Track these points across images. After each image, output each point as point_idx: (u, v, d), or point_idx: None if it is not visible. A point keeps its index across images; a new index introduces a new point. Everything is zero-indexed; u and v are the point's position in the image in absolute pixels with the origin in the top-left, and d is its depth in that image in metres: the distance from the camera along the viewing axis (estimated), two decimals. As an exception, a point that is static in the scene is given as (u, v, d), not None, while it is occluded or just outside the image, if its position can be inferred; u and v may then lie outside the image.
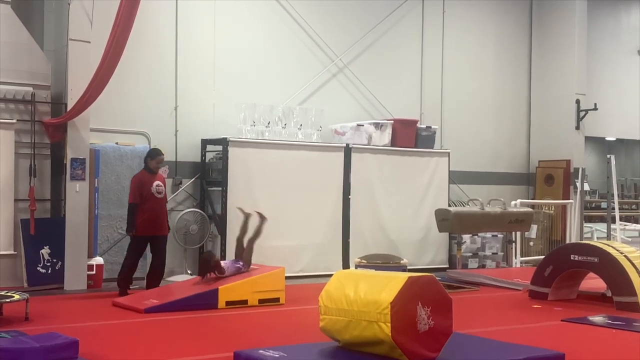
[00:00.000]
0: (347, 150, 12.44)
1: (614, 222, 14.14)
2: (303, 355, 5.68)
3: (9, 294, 7.83)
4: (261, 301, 8.93)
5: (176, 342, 6.77)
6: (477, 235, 13.41)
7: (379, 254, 11.23)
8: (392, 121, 13.04)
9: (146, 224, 9.49)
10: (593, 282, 9.76)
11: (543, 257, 10.80)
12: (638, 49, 17.27)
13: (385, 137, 12.83)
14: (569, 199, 14.62)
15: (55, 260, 10.22)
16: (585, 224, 15.26)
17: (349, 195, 12.41)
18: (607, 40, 16.88)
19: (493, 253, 13.70)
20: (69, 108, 9.99)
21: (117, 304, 8.78)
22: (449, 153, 13.64)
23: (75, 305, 8.95)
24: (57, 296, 9.54)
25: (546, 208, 14.61)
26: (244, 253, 9.44)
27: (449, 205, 13.03)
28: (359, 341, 5.63)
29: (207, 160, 11.86)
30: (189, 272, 11.12)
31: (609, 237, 14.01)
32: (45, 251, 10.20)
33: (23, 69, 10.27)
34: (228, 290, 8.76)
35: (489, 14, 15.35)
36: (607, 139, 18.49)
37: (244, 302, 8.80)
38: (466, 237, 13.14)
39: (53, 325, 7.23)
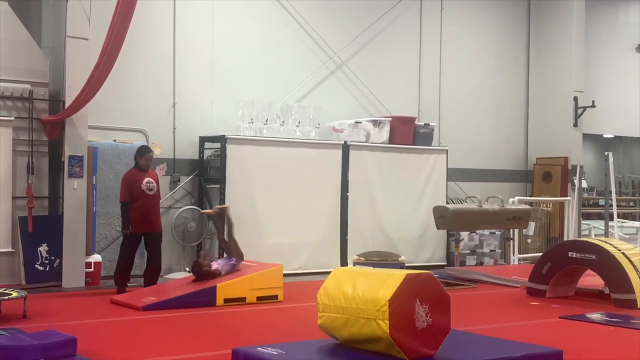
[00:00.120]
0: (345, 148, 12.44)
1: (611, 219, 14.15)
2: (301, 352, 5.68)
3: (7, 291, 7.83)
4: (259, 298, 8.94)
5: (174, 340, 6.78)
6: (475, 232, 13.42)
7: (377, 252, 11.25)
8: (390, 118, 13.04)
9: (138, 221, 9.52)
10: (591, 279, 9.77)
11: (541, 254, 10.81)
12: (636, 46, 17.26)
13: (383, 134, 12.83)
14: (567, 196, 14.63)
15: (53, 258, 10.22)
16: (583, 221, 15.27)
17: (347, 192, 12.41)
18: (605, 37, 16.88)
19: (491, 250, 13.70)
20: (66, 105, 9.98)
21: (115, 301, 8.79)
22: (447, 150, 13.64)
23: (73, 302, 8.95)
24: (55, 294, 9.54)
25: (544, 205, 14.61)
26: (231, 248, 9.45)
27: (447, 203, 13.04)
28: (357, 338, 5.63)
29: (205, 158, 11.85)
30: (187, 269, 11.11)
31: (606, 234, 14.03)
32: (43, 249, 10.19)
33: (21, 66, 10.26)
34: (226, 288, 8.77)
35: (487, 11, 15.34)
36: (604, 136, 18.49)
37: (242, 300, 8.81)
38: (464, 235, 13.15)
39: (51, 322, 7.23)
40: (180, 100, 11.73)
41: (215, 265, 9.17)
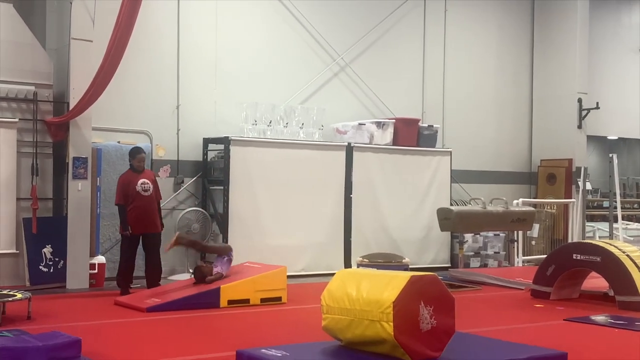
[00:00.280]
0: (349, 149, 12.43)
1: (616, 221, 14.13)
2: (305, 354, 5.67)
3: (11, 292, 7.84)
4: (263, 300, 8.93)
5: (178, 341, 6.78)
6: (479, 234, 13.40)
7: (380, 253, 11.23)
8: (394, 120, 13.03)
9: (134, 223, 9.53)
10: (595, 282, 9.74)
11: (545, 256, 10.79)
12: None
13: (387, 136, 12.82)
14: (571, 198, 14.61)
15: (57, 259, 10.23)
16: (587, 223, 15.23)
17: (351, 194, 12.41)
18: (609, 39, 16.86)
19: (495, 252, 13.68)
20: (71, 107, 9.99)
21: (119, 303, 8.79)
22: (450, 152, 13.63)
23: (77, 304, 8.96)
24: (59, 295, 9.55)
25: (548, 207, 14.60)
26: (215, 250, 9.49)
27: (451, 205, 13.03)
28: (361, 340, 5.62)
29: (208, 159, 11.86)
30: (190, 271, 11.11)
31: (611, 236, 14.01)
32: (47, 250, 10.21)
33: (25, 68, 10.27)
34: (230, 290, 8.77)
35: (491, 13, 15.34)
36: (608, 137, 18.47)
37: (245, 301, 8.80)
38: (468, 236, 13.13)
39: (55, 324, 7.23)
40: (184, 102, 11.74)
41: (215, 269, 9.15)
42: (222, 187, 11.41)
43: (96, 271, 10.17)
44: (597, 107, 15.03)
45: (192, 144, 11.79)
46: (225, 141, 11.38)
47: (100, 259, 10.34)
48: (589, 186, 15.62)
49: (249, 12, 12.42)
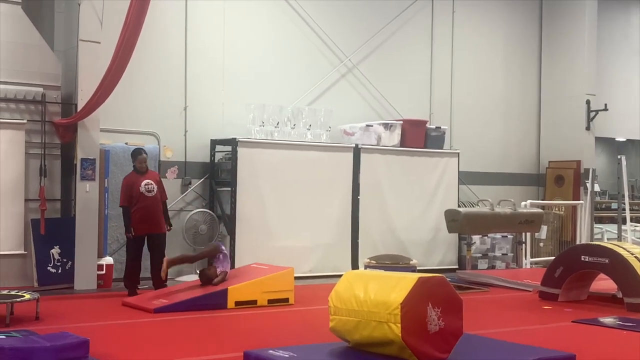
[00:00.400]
0: (356, 151, 12.43)
1: (624, 223, 14.08)
2: (313, 355, 5.67)
3: (19, 293, 7.86)
4: (270, 301, 8.93)
5: (186, 342, 6.78)
6: (486, 236, 13.36)
7: (388, 255, 11.23)
8: (402, 121, 13.02)
9: (139, 224, 9.54)
10: (603, 284, 9.72)
11: (553, 258, 10.76)
12: (648, 49, 17.22)
13: (395, 137, 12.81)
14: (579, 200, 14.57)
15: (65, 260, 10.25)
16: (595, 225, 15.17)
17: (358, 195, 12.40)
18: (618, 40, 16.81)
19: (503, 254, 13.65)
20: (79, 108, 10.02)
21: (126, 303, 8.80)
22: (458, 153, 13.61)
23: (85, 304, 8.98)
24: (67, 296, 9.57)
25: (556, 209, 14.56)
26: (207, 253, 9.45)
27: (459, 206, 13.01)
28: (368, 342, 5.62)
29: (216, 161, 11.87)
30: (197, 272, 11.10)
31: (619, 238, 13.96)
32: (55, 251, 10.23)
33: (33, 69, 10.31)
34: (237, 291, 8.77)
35: (499, 14, 15.31)
36: (617, 139, 18.41)
37: (253, 302, 8.80)
38: (476, 238, 13.10)
39: (63, 324, 7.25)
40: (191, 103, 11.76)
41: (219, 269, 9.14)
42: (229, 189, 11.41)
43: (104, 272, 10.19)
44: (606, 109, 14.99)
45: (199, 146, 11.80)
46: (233, 142, 11.39)
47: (108, 260, 10.36)
48: (597, 188, 15.58)
49: (257, 13, 12.43)
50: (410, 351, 5.35)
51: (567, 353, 5.95)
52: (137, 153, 9.80)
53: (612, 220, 15.99)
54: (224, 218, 11.51)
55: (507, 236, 13.57)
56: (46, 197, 10.13)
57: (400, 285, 5.48)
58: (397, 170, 12.82)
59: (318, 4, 12.96)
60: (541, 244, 13.97)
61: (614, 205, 16.24)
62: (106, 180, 10.44)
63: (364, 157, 12.46)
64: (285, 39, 12.73)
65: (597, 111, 15.03)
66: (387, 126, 12.76)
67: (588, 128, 15.08)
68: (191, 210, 11.49)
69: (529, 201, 13.12)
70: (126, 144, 11.06)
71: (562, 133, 15.31)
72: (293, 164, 11.78)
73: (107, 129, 10.74)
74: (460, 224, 10.90)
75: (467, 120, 14.62)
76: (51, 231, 10.14)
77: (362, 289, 5.67)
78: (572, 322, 8.11)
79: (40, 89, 10.32)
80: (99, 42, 10.12)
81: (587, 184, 14.67)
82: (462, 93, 14.62)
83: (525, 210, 11.83)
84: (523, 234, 12.59)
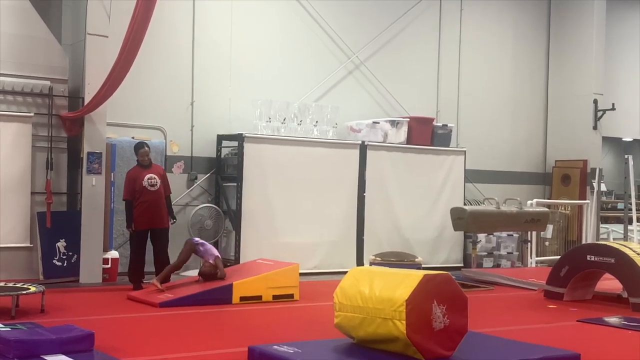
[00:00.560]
0: (363, 148, 12.42)
1: (630, 223, 14.05)
2: (317, 351, 5.67)
3: (25, 286, 7.88)
4: (275, 297, 8.93)
5: (190, 337, 6.79)
6: (492, 234, 13.35)
7: (393, 252, 11.21)
8: (408, 119, 13.00)
9: (142, 218, 9.57)
10: (609, 283, 9.69)
11: (559, 257, 10.74)
12: (657, 48, 17.14)
13: (401, 134, 12.79)
14: (586, 199, 14.53)
15: (70, 254, 10.27)
16: (601, 225, 15.15)
17: (364, 192, 12.39)
18: (626, 39, 16.75)
19: (508, 252, 13.63)
20: (86, 102, 10.03)
21: (131, 297, 8.82)
22: (465, 151, 13.59)
23: (90, 298, 9.00)
24: (73, 289, 9.59)
25: (562, 208, 14.53)
26: (184, 258, 9.33)
27: (465, 204, 12.98)
28: (373, 338, 5.62)
29: (222, 156, 11.87)
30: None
31: (625, 238, 13.92)
32: (61, 244, 10.25)
33: (41, 62, 10.32)
34: (242, 286, 8.77)
35: (507, 12, 15.27)
36: (624, 139, 18.35)
37: (258, 298, 8.81)
38: (481, 236, 13.09)
39: (68, 317, 7.26)
40: (198, 98, 11.76)
41: (210, 261, 9.10)
42: (235, 184, 11.42)
43: (109, 266, 10.21)
44: (613, 108, 14.95)
45: (206, 141, 11.81)
46: (239, 138, 11.39)
47: (113, 253, 10.38)
48: (603, 187, 15.55)
49: (264, 9, 12.42)
50: (415, 348, 5.35)
51: (572, 352, 5.94)
52: (139, 147, 9.82)
53: (618, 220, 15.95)
54: (229, 213, 11.52)
55: (512, 235, 13.55)
56: (52, 191, 10.14)
57: (405, 282, 5.48)
58: (403, 168, 12.81)
59: (326, 1, 12.94)
60: (547, 243, 13.95)
61: (620, 205, 16.20)
62: (112, 174, 10.45)
63: (370, 154, 12.45)
64: (292, 36, 12.72)
65: (604, 111, 14.99)
66: (393, 123, 12.75)
67: (595, 127, 15.04)
68: (197, 206, 11.50)
69: (535, 200, 13.08)
70: (133, 138, 11.06)
71: (569, 132, 15.27)
72: (299, 160, 11.77)
73: (113, 123, 10.76)
74: (466, 222, 10.87)
75: (473, 118, 14.59)
76: (57, 224, 10.16)
77: (368, 285, 5.66)
78: (577, 321, 8.09)
79: (48, 82, 10.32)
80: (107, 36, 10.13)
81: (593, 183, 14.64)
82: (469, 91, 14.59)
83: (531, 209, 11.80)
84: (529, 232, 12.57)
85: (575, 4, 15.35)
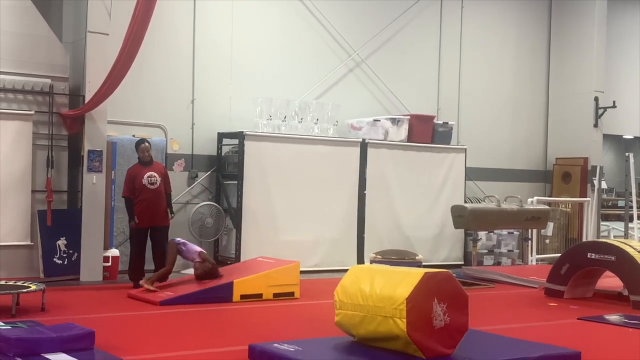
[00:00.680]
0: (363, 145, 12.41)
1: (631, 220, 14.04)
2: (318, 349, 5.67)
3: (25, 284, 7.88)
4: (276, 295, 8.93)
5: (191, 335, 6.79)
6: (492, 232, 13.35)
7: (394, 250, 11.23)
8: (409, 117, 13.00)
9: (141, 216, 9.55)
10: (609, 281, 9.68)
11: (559, 255, 10.73)
12: (657, 46, 17.12)
13: (402, 132, 12.79)
14: (586, 197, 14.53)
15: (71, 252, 10.28)
16: (602, 223, 15.15)
17: (365, 190, 12.39)
18: (627, 37, 16.73)
19: (509, 250, 13.63)
20: (86, 100, 10.03)
21: (132, 295, 8.82)
22: (465, 149, 13.58)
23: (91, 296, 9.01)
24: (73, 287, 9.60)
25: (563, 206, 14.53)
26: (171, 259, 9.23)
27: (465, 202, 12.98)
28: (374, 336, 5.62)
29: (223, 154, 11.87)
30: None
31: (626, 235, 13.92)
32: (61, 242, 10.26)
33: (41, 60, 10.32)
34: (243, 284, 8.78)
35: (508, 10, 15.26)
36: (624, 137, 18.34)
37: (258, 296, 8.81)
38: (482, 234, 13.09)
39: (69, 316, 7.27)
40: (199, 96, 11.76)
41: (197, 261, 9.07)
42: (236, 182, 11.42)
43: (110, 264, 10.22)
44: (614, 106, 14.94)
45: (206, 139, 11.81)
46: (240, 136, 11.39)
47: (114, 251, 10.38)
48: (604, 185, 15.54)
49: (265, 7, 12.41)
50: (415, 346, 5.35)
51: (573, 350, 5.94)
52: (139, 143, 9.83)
53: (618, 218, 15.95)
54: (230, 211, 11.52)
55: (513, 232, 13.56)
56: (53, 189, 10.15)
57: (406, 280, 5.48)
58: (404, 166, 12.81)
59: (326, -2, 12.95)
60: (547, 241, 13.94)
61: (621, 203, 16.20)
62: (113, 172, 10.45)
63: (370, 151, 12.45)
64: (293, 33, 12.71)
65: (605, 108, 14.98)
66: (394, 121, 12.74)
67: (596, 125, 15.03)
68: (197, 203, 11.50)
69: (535, 198, 13.07)
70: (133, 136, 11.05)
71: (569, 130, 15.26)
72: (300, 158, 11.77)
73: (114, 121, 10.75)
74: (467, 219, 10.87)
75: (474, 116, 14.58)
76: (57, 222, 10.16)
77: (368, 283, 5.66)
78: (578, 319, 8.09)
79: (48, 81, 10.33)
80: (107, 34, 10.13)
81: (594, 181, 14.64)
82: (470, 88, 14.58)
83: (531, 207, 11.79)
84: (529, 230, 12.57)
85: (576, 2, 15.33)
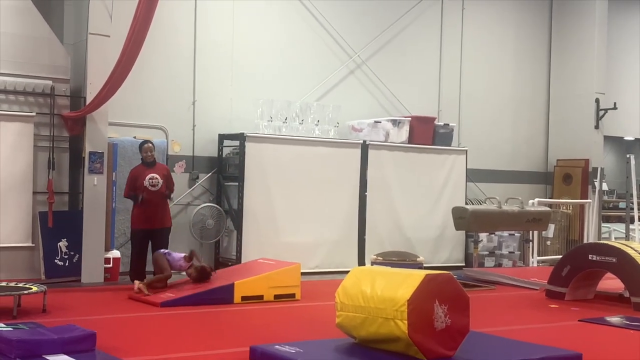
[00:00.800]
0: (364, 147, 12.41)
1: (632, 222, 14.03)
2: (319, 351, 5.67)
3: (26, 285, 7.89)
4: (277, 297, 8.93)
5: (192, 336, 6.79)
6: (494, 233, 13.34)
7: (395, 251, 11.21)
8: (410, 118, 13.00)
9: (142, 217, 9.54)
10: (611, 283, 9.68)
11: (560, 256, 10.73)
12: (659, 48, 17.12)
13: (403, 134, 12.79)
14: (587, 199, 14.52)
15: (72, 253, 10.28)
16: (603, 224, 15.13)
17: (365, 192, 12.39)
18: (628, 38, 16.73)
19: (510, 252, 13.62)
20: (87, 102, 10.03)
21: (133, 297, 8.82)
22: (466, 151, 13.58)
23: (92, 297, 9.00)
24: (74, 289, 9.60)
25: (564, 207, 14.52)
26: (162, 263, 9.17)
27: (466, 204, 12.98)
28: (375, 338, 5.62)
29: (224, 155, 11.88)
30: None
31: (627, 237, 13.92)
32: (62, 244, 10.26)
33: (43, 62, 10.33)
34: (243, 286, 8.78)
35: (509, 11, 15.26)
36: (625, 138, 18.34)
37: (259, 298, 8.81)
38: (483, 236, 13.07)
39: (70, 317, 7.27)
40: (199, 98, 11.76)
41: (182, 266, 9.06)
42: (237, 183, 11.42)
43: (111, 265, 10.22)
44: (615, 108, 14.93)
45: (207, 140, 11.81)
46: (241, 137, 11.39)
47: (115, 253, 10.39)
48: (605, 187, 15.54)
49: (266, 8, 12.42)
50: (416, 348, 5.35)
51: (574, 352, 5.94)
52: (143, 143, 9.83)
53: (619, 220, 15.94)
54: (231, 213, 11.52)
55: (514, 234, 13.54)
56: (54, 190, 10.16)
57: (407, 282, 5.48)
58: (404, 167, 12.80)
59: (328, 0, 12.92)
60: (548, 243, 13.93)
61: (622, 205, 16.18)
62: (114, 173, 10.46)
63: (371, 153, 12.44)
64: (294, 35, 12.72)
65: (606, 110, 14.98)
66: (395, 123, 12.74)
67: (597, 127, 15.03)
68: (198, 205, 11.50)
69: (536, 199, 13.08)
70: (134, 137, 11.06)
71: (570, 131, 15.26)
72: (301, 160, 11.77)
73: (115, 122, 10.76)
74: (468, 221, 10.88)
75: (475, 117, 14.58)
76: (59, 224, 10.17)
77: (369, 285, 5.66)
78: (579, 321, 8.09)
79: (49, 82, 10.34)
80: (109, 36, 10.14)
81: (595, 182, 14.63)
82: (471, 90, 14.58)
83: (532, 209, 11.80)
84: (530, 232, 12.56)
85: (577, 3, 15.33)
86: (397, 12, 13.65)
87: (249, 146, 11.35)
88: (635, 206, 14.00)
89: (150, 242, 9.67)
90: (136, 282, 9.05)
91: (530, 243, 12.77)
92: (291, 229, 11.65)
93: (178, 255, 9.19)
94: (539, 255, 13.02)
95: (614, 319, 8.18)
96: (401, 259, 10.48)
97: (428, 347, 5.38)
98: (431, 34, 14.17)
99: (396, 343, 5.46)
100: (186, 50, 11.69)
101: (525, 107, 15.44)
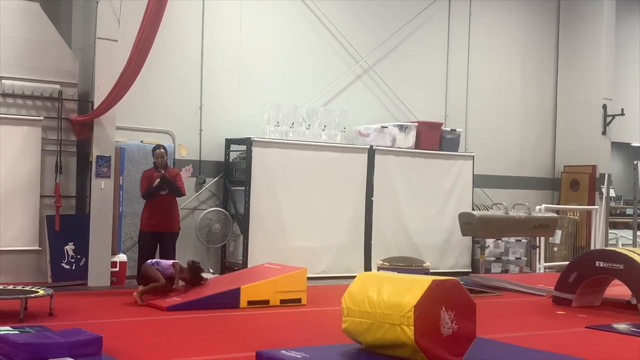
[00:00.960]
0: (371, 152, 12.41)
1: (639, 228, 13.98)
2: (325, 356, 5.67)
3: (33, 289, 7.90)
4: (283, 301, 8.92)
5: (198, 341, 6.80)
6: (500, 239, 13.31)
7: (401, 257, 11.20)
8: (417, 123, 12.99)
9: (151, 221, 9.61)
10: (618, 289, 9.65)
11: (567, 263, 10.70)
12: (667, 54, 17.08)
13: (410, 139, 12.79)
14: (594, 205, 14.49)
15: (79, 257, 10.30)
16: (610, 231, 15.10)
17: (372, 197, 12.38)
18: (635, 45, 16.70)
19: (516, 258, 13.59)
20: (95, 106, 10.07)
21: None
22: (473, 156, 13.56)
23: (98, 301, 9.01)
24: (81, 292, 9.61)
25: (571, 213, 14.48)
26: (155, 278, 9.01)
27: (473, 209, 12.96)
28: (381, 344, 5.61)
29: (230, 160, 11.89)
30: (211, 271, 11.15)
31: (634, 244, 13.88)
32: (69, 247, 10.28)
33: (51, 66, 10.37)
34: (250, 290, 8.77)
35: (516, 17, 15.26)
36: (633, 144, 18.29)
37: (265, 302, 8.81)
38: (489, 242, 13.05)
39: (77, 321, 7.28)
40: (207, 102, 11.78)
41: (172, 272, 9.03)
42: (243, 188, 11.43)
43: (117, 269, 10.24)
44: (622, 114, 14.90)
45: (214, 145, 11.83)
46: (248, 142, 11.40)
47: (121, 257, 10.40)
48: (612, 193, 15.49)
49: (273, 13, 12.44)
50: (423, 354, 5.34)
51: (580, 359, 5.92)
52: (155, 148, 9.97)
53: (627, 226, 15.89)
54: (237, 217, 11.53)
55: (521, 240, 13.51)
56: (61, 194, 10.19)
57: (414, 287, 5.47)
58: (411, 172, 12.80)
59: (335, 5, 12.96)
60: (555, 249, 13.90)
61: (629, 211, 16.14)
62: (121, 177, 10.48)
63: (378, 158, 12.44)
64: (301, 40, 12.73)
65: (613, 116, 14.95)
66: (402, 128, 12.74)
67: (604, 133, 15.00)
68: (205, 209, 11.51)
69: (543, 205, 13.05)
70: (141, 142, 11.09)
71: (578, 137, 15.23)
72: (307, 165, 11.78)
73: (122, 126, 10.79)
74: (474, 227, 10.86)
75: (482, 123, 14.57)
76: (66, 228, 10.20)
77: (376, 290, 5.66)
78: (586, 327, 8.06)
79: (57, 86, 10.37)
80: (117, 40, 10.17)
81: (602, 189, 14.60)
82: (478, 96, 14.57)
83: (539, 215, 11.77)
84: (537, 238, 12.53)
85: (585, 8, 15.32)
86: (404, 17, 13.66)
87: (256, 151, 11.36)
88: (643, 212, 13.98)
89: (158, 246, 9.70)
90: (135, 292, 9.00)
91: (537, 249, 12.74)
92: (297, 233, 11.65)
93: (166, 262, 9.16)
94: (545, 262, 12.99)
95: (621, 326, 8.15)
96: (407, 265, 10.47)
97: (434, 353, 5.37)
98: (438, 39, 14.17)
99: (402, 349, 5.45)
100: (194, 55, 11.72)
101: (533, 113, 15.42)
